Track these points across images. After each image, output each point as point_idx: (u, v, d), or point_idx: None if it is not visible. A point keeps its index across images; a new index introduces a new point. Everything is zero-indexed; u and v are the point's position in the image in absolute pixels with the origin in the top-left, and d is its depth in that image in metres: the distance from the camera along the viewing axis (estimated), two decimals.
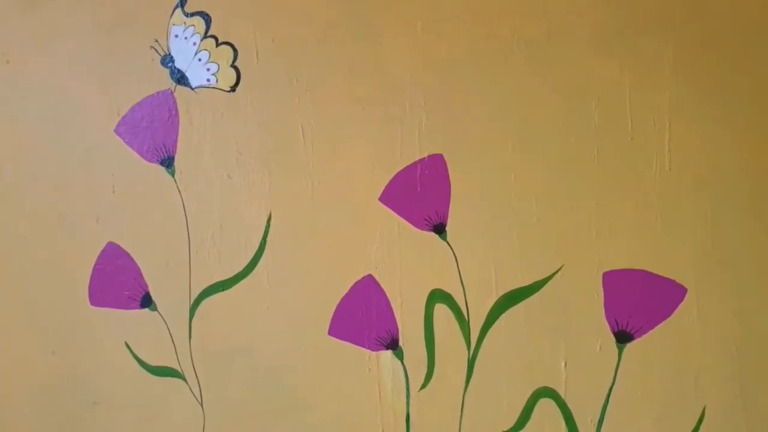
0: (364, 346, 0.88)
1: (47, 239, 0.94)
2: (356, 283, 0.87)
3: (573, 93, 0.80)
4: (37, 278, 0.95)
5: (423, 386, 0.87)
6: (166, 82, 0.89)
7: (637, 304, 0.82)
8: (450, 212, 0.84)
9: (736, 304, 0.80)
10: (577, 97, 0.80)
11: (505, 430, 0.86)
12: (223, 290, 0.90)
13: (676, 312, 0.81)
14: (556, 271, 0.83)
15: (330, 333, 0.88)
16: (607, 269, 0.82)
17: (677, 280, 0.80)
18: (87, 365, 0.95)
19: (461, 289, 0.85)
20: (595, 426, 0.84)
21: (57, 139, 0.92)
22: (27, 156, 0.93)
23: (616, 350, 0.83)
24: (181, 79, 0.88)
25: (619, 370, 0.83)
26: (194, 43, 0.88)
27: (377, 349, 0.88)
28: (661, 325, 0.81)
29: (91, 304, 0.94)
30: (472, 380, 0.86)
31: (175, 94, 0.89)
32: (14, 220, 0.94)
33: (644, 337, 0.82)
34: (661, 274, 0.81)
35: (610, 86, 0.80)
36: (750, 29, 0.77)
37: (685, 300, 0.81)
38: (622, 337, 0.82)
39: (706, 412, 0.81)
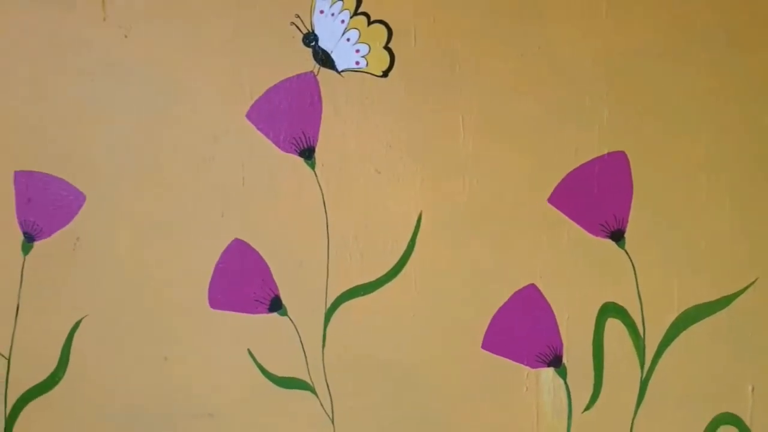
0: (522, 362, 0.79)
1: (163, 235, 0.85)
2: (516, 292, 0.79)
3: None
4: (150, 276, 0.86)
5: (587, 408, 0.79)
6: (308, 64, 0.80)
7: None
8: (630, 217, 0.76)
9: None
10: None
11: None
12: (364, 294, 0.81)
13: None
14: (749, 285, 0.75)
15: (484, 347, 0.80)
16: None
17: None
18: (203, 374, 0.86)
19: (638, 302, 0.76)
20: None
21: (180, 125, 0.83)
22: (145, 142, 0.84)
23: None
24: (325, 60, 0.79)
25: None
26: (342, 21, 0.79)
27: (537, 366, 0.79)
28: None
29: (211, 306, 0.85)
30: (643, 403, 0.78)
31: (318, 78, 0.80)
32: (129, 212, 0.85)
33: None
34: None
35: None
36: None
37: None
38: None
39: None
